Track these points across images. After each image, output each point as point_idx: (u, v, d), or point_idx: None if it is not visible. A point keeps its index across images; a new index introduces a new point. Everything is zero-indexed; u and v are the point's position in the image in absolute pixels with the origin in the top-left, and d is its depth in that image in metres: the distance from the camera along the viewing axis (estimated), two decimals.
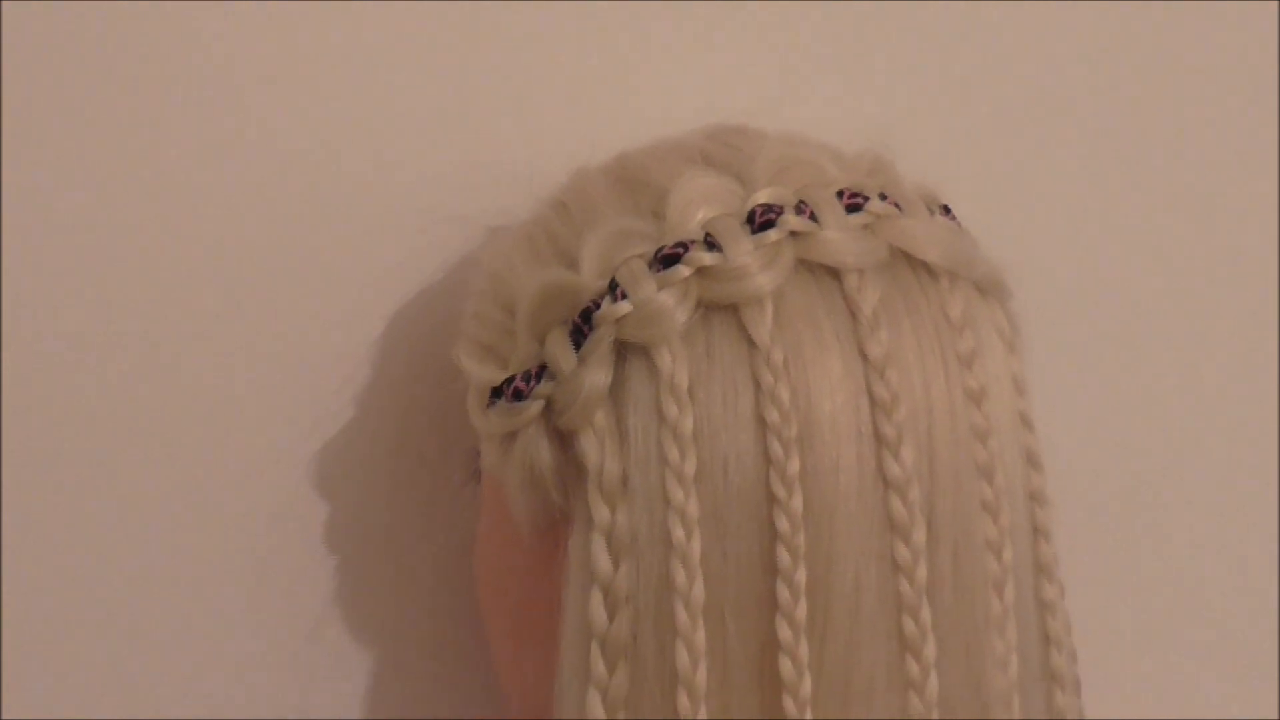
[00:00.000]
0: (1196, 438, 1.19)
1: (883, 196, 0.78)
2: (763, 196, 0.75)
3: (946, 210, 0.81)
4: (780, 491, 0.72)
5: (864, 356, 0.74)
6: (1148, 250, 1.14)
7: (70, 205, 0.91)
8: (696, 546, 0.72)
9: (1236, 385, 1.17)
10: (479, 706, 0.99)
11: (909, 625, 0.73)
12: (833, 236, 0.75)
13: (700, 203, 0.75)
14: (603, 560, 0.73)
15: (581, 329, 0.75)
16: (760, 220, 0.75)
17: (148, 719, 0.99)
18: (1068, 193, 1.09)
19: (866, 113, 0.90)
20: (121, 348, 0.93)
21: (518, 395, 0.77)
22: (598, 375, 0.74)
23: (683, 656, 0.71)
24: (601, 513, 0.73)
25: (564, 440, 0.76)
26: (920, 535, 0.73)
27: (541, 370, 0.76)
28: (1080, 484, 1.01)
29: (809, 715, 0.72)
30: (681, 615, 0.72)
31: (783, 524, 0.71)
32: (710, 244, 0.74)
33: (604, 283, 0.75)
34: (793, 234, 0.75)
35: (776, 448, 0.72)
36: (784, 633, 0.71)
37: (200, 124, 0.92)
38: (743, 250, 0.74)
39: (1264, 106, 1.16)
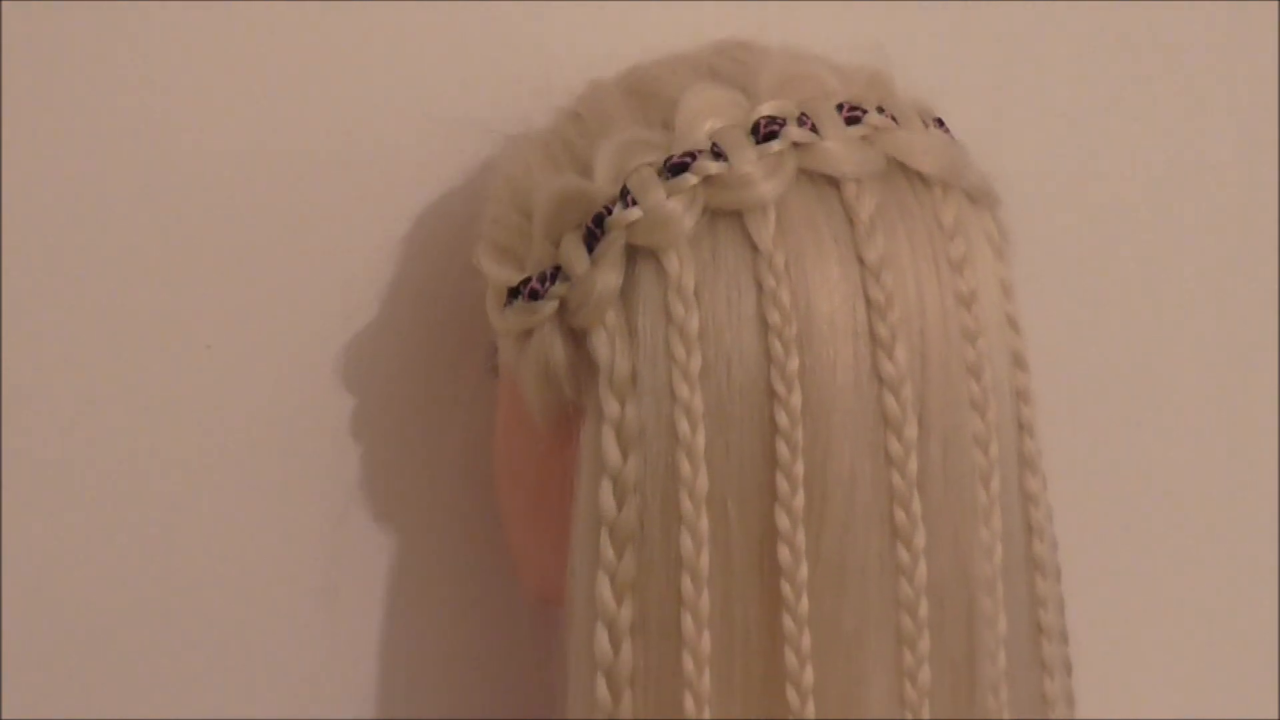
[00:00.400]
0: (1181, 344, 1.18)
1: (880, 110, 0.78)
2: (767, 109, 0.76)
3: (940, 123, 0.82)
4: (780, 388, 0.73)
5: (861, 261, 0.74)
6: (1135, 159, 1.14)
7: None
8: (701, 439, 0.73)
9: (1224, 288, 1.16)
10: (497, 586, 1.00)
11: (900, 515, 0.74)
12: (832, 147, 0.76)
13: (707, 114, 0.76)
14: (612, 452, 0.74)
15: (594, 233, 0.76)
16: (764, 131, 0.75)
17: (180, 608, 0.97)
18: (1058, 103, 1.08)
19: (865, 29, 0.89)
20: (155, 236, 0.93)
21: (533, 295, 0.78)
22: (609, 277, 0.75)
23: (687, 543, 0.73)
24: (611, 407, 0.74)
25: (576, 338, 0.77)
26: (912, 430, 0.74)
27: (556, 271, 0.77)
28: (1065, 383, 1.00)
29: (805, 600, 0.73)
30: (686, 504, 0.73)
31: (782, 419, 0.73)
32: (717, 153, 0.75)
33: (616, 189, 0.76)
34: (795, 145, 0.75)
35: (777, 347, 0.73)
36: (782, 521, 0.73)
37: (221, 33, 0.92)
38: (747, 160, 0.75)
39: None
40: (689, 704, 0.74)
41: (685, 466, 0.73)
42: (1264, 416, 1.22)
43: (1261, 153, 1.17)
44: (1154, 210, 1.15)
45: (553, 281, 0.77)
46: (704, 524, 0.73)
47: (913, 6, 1.01)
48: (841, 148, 0.76)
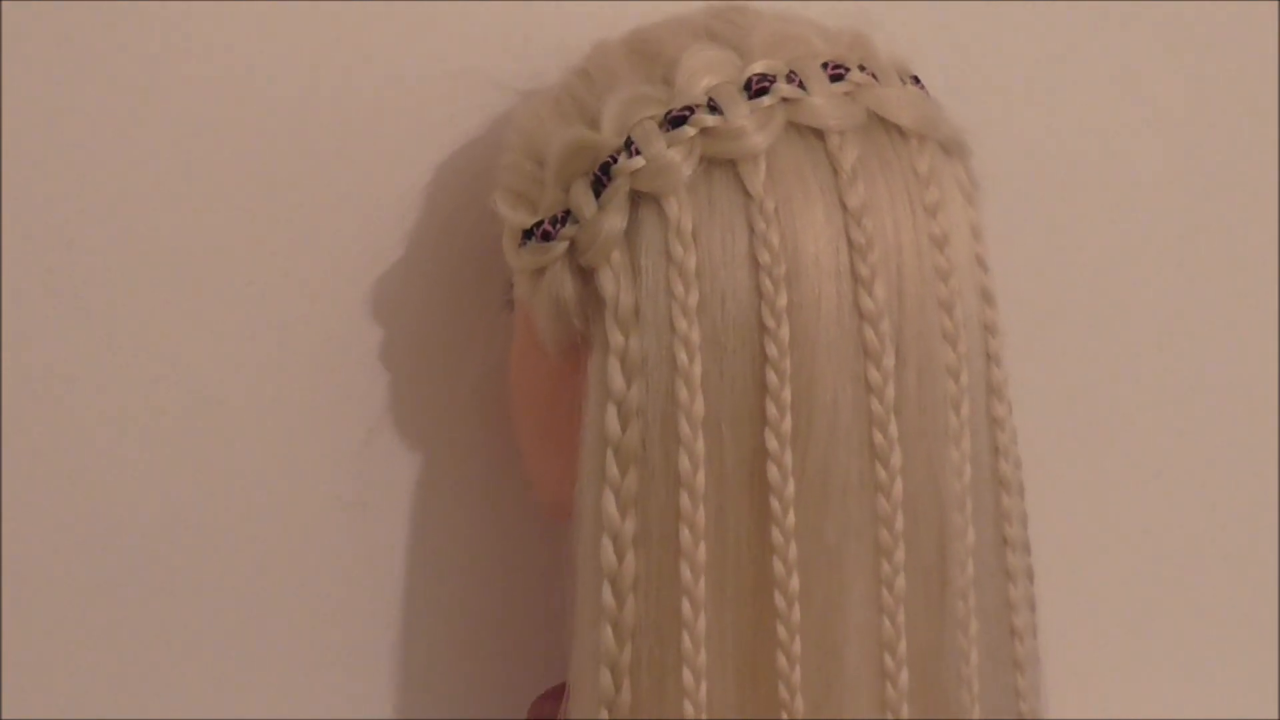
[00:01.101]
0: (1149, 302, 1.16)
1: (861, 68, 0.79)
2: (758, 67, 0.77)
3: (916, 80, 0.83)
4: (770, 322, 0.74)
5: (843, 206, 0.76)
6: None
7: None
8: (698, 368, 0.74)
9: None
10: (512, 501, 1.00)
11: (878, 437, 0.75)
12: (818, 102, 0.77)
13: (704, 72, 0.77)
14: (617, 379, 0.75)
15: (601, 180, 0.77)
16: (756, 88, 0.77)
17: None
18: (1025, 58, 1.08)
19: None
20: (193, 181, 0.93)
21: (546, 236, 0.79)
22: (615, 220, 0.76)
23: (684, 462, 0.74)
24: (616, 338, 0.76)
25: (585, 275, 0.78)
26: (889, 360, 0.75)
27: (566, 215, 0.78)
28: (1031, 317, 1.01)
29: (792, 514, 0.75)
30: (684, 427, 0.74)
31: (772, 350, 0.74)
32: (713, 108, 0.76)
33: (621, 140, 0.77)
34: (784, 100, 0.77)
35: (767, 284, 0.74)
36: (771, 443, 0.74)
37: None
38: (740, 113, 0.76)
39: None
40: (686, 608, 0.75)
41: (683, 393, 0.74)
42: (1230, 352, 1.18)
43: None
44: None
45: (563, 224, 0.79)
46: (700, 445, 0.74)
47: None
48: (826, 103, 0.77)
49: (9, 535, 0.95)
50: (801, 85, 0.77)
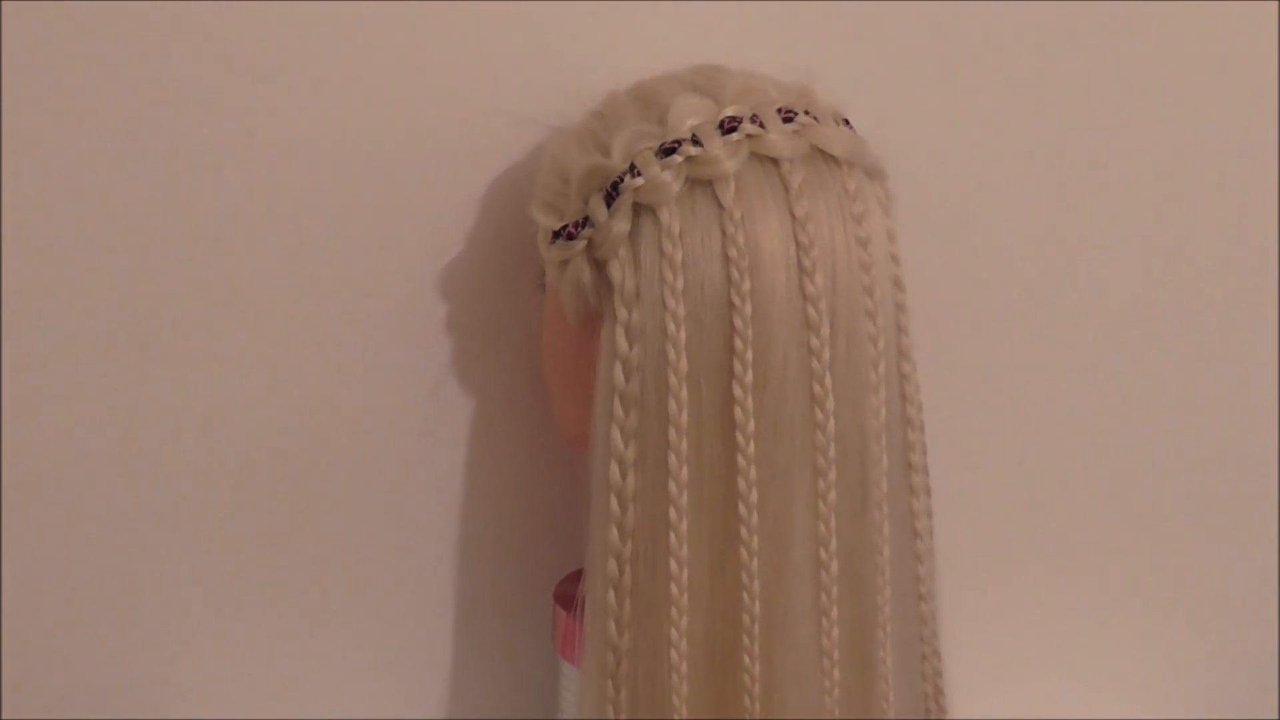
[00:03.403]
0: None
1: (806, 112, 0.81)
2: (730, 111, 0.79)
3: (847, 122, 0.84)
4: (737, 301, 0.76)
5: (792, 215, 0.78)
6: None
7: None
8: (683, 335, 0.77)
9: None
10: (544, 434, 1.00)
11: (816, 388, 0.78)
12: (774, 138, 0.79)
13: (689, 114, 0.79)
14: (623, 343, 0.78)
15: (611, 194, 0.79)
16: (728, 127, 0.79)
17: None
18: (931, 99, 1.03)
19: (798, 59, 0.86)
20: (322, 191, 0.93)
21: (570, 236, 0.81)
22: (621, 224, 0.79)
23: (672, 405, 0.77)
24: (622, 312, 0.78)
25: (599, 266, 0.80)
26: (825, 330, 0.78)
27: (585, 221, 0.81)
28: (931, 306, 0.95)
29: (752, 445, 0.77)
30: (672, 379, 0.77)
31: (738, 322, 0.76)
32: (695, 141, 0.78)
33: (626, 165, 0.79)
34: (748, 136, 0.79)
35: (735, 273, 0.77)
36: (737, 391, 0.77)
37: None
38: (716, 146, 0.78)
39: None
40: (672, 514, 0.77)
41: (671, 354, 0.77)
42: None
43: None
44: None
45: (583, 227, 0.81)
46: (684, 393, 0.77)
47: (834, 46, 0.98)
48: (780, 138, 0.79)
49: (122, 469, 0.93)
50: (762, 125, 0.79)
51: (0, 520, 0.91)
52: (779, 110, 0.81)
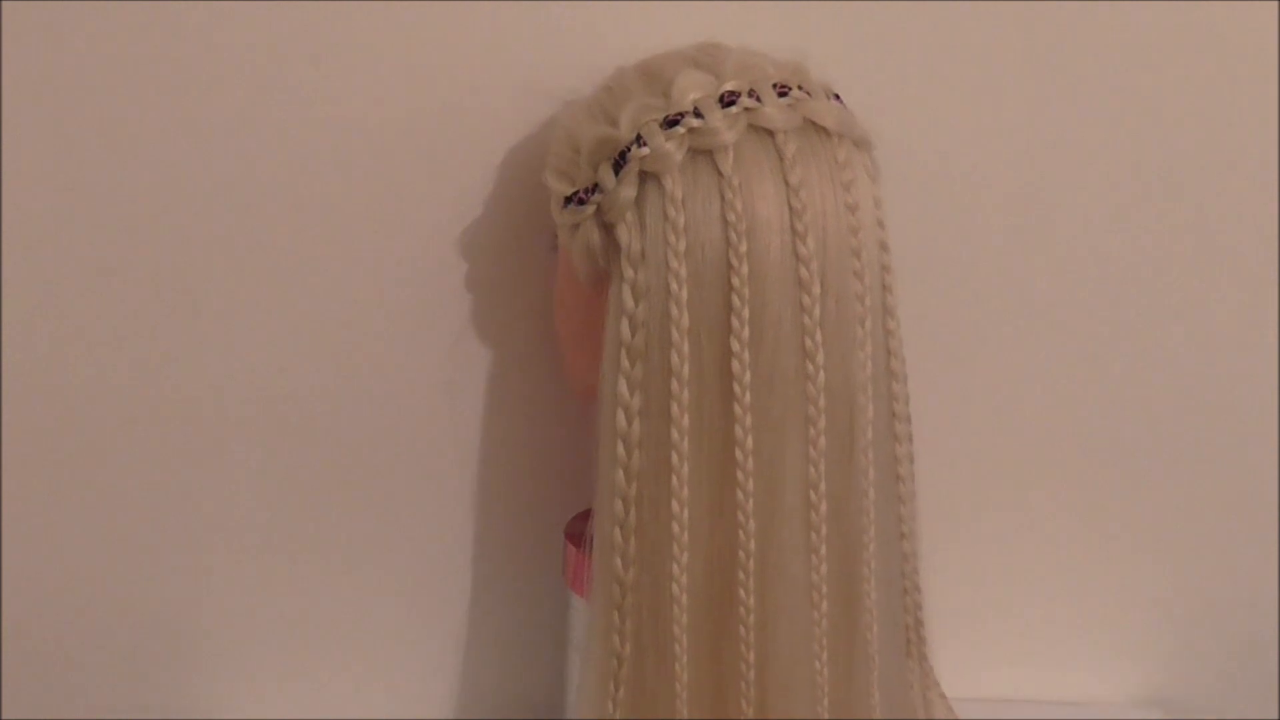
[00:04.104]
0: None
1: (800, 87, 0.81)
2: (729, 86, 0.80)
3: (837, 96, 0.85)
4: (734, 262, 0.77)
5: (786, 183, 0.78)
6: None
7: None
8: (685, 294, 0.77)
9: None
10: (556, 386, 1.00)
11: (808, 342, 0.78)
12: (770, 111, 0.79)
13: (691, 89, 0.80)
14: (629, 300, 0.78)
15: (619, 163, 0.79)
16: (727, 100, 0.79)
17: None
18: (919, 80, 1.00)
19: (793, 39, 0.85)
20: (343, 168, 0.95)
21: (580, 202, 0.82)
22: (628, 191, 0.79)
23: (674, 358, 0.77)
24: (629, 272, 0.78)
25: (607, 229, 0.81)
26: (816, 289, 0.78)
27: (595, 187, 0.81)
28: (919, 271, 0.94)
29: (748, 396, 0.77)
30: (674, 334, 0.77)
31: (735, 282, 0.77)
32: (697, 114, 0.78)
33: (633, 135, 0.79)
34: (746, 109, 0.79)
35: (733, 236, 0.77)
36: (734, 346, 0.77)
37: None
38: (716, 118, 0.78)
39: None
40: (674, 459, 0.78)
41: (674, 310, 0.77)
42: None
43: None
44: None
45: (593, 193, 0.81)
46: (686, 346, 0.77)
47: (827, 28, 0.96)
48: (775, 111, 0.79)
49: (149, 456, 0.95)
50: (758, 99, 0.79)
51: (31, 476, 0.93)
52: (775, 85, 0.81)
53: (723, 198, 0.78)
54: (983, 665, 1.13)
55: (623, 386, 0.79)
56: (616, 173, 0.80)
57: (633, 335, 0.79)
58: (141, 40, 0.88)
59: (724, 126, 0.79)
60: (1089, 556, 1.12)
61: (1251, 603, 1.14)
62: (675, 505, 0.79)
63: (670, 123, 0.79)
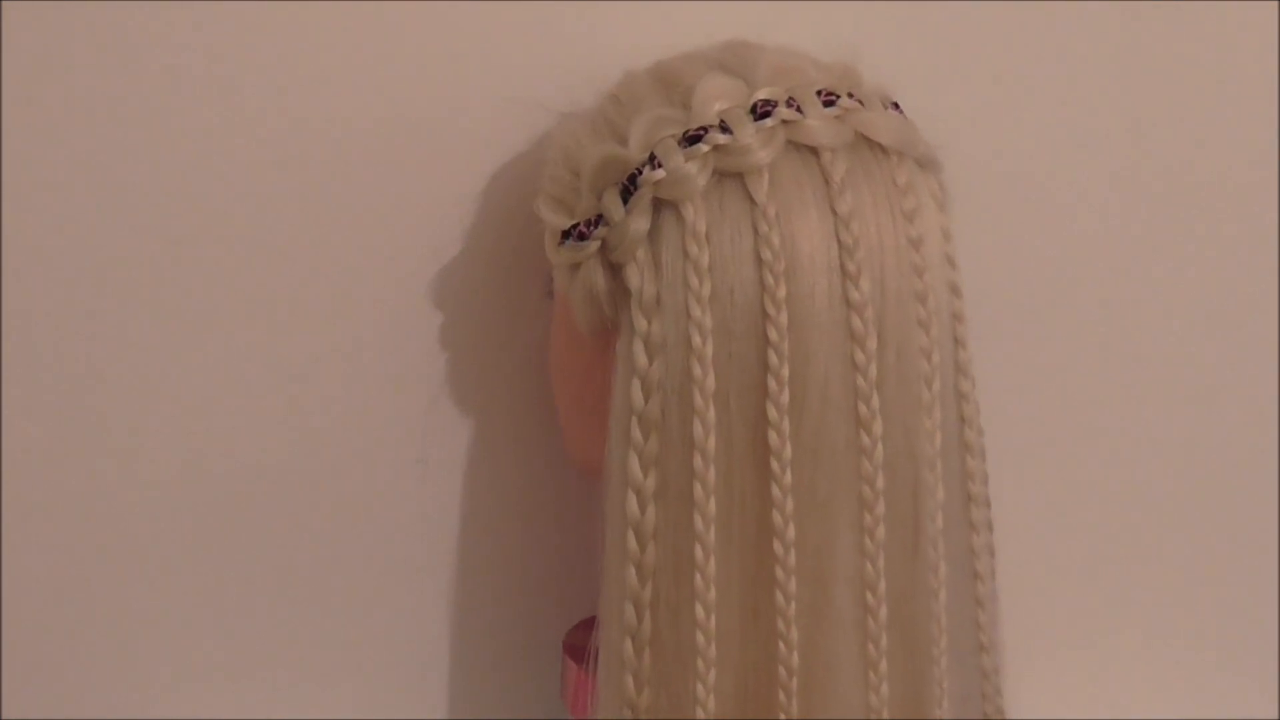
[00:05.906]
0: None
1: (850, 95, 0.80)
2: (763, 94, 0.78)
3: (896, 105, 0.83)
4: (771, 310, 0.75)
5: (834, 212, 0.76)
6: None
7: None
8: (710, 349, 0.75)
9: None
10: (552, 460, 1.01)
11: (862, 408, 0.76)
12: (813, 124, 0.78)
13: (717, 97, 0.78)
14: (641, 358, 0.76)
15: (629, 189, 0.78)
16: (760, 111, 0.77)
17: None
18: (996, 80, 1.03)
19: (843, 35, 0.87)
20: (310, 189, 0.93)
21: (581, 236, 0.80)
22: (640, 223, 0.77)
23: (698, 429, 0.75)
24: (641, 323, 0.77)
25: (614, 270, 0.79)
26: (872, 343, 0.76)
27: (599, 218, 0.79)
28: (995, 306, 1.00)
29: (789, 473, 0.76)
30: (698, 399, 0.75)
31: (772, 334, 0.75)
32: (724, 128, 0.77)
33: (645, 155, 0.78)
34: (784, 122, 0.77)
35: (769, 278, 0.75)
36: (771, 413, 0.75)
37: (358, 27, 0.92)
38: (747, 133, 0.76)
39: None
40: (698, 553, 0.76)
41: (697, 370, 0.75)
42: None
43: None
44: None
45: (596, 226, 0.80)
46: (711, 414, 0.76)
47: (880, 21, 0.99)
48: (820, 124, 0.78)
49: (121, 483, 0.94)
50: (799, 109, 0.78)
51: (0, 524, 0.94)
52: (819, 92, 0.79)
53: (756, 231, 0.76)
54: None
55: (634, 464, 0.77)
56: (625, 201, 0.79)
57: (646, 400, 0.77)
58: (133, 44, 0.90)
59: (757, 143, 0.77)
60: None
61: None
62: (700, 610, 0.77)
63: (691, 139, 0.77)
